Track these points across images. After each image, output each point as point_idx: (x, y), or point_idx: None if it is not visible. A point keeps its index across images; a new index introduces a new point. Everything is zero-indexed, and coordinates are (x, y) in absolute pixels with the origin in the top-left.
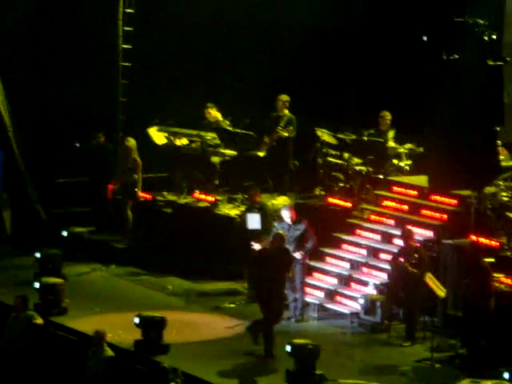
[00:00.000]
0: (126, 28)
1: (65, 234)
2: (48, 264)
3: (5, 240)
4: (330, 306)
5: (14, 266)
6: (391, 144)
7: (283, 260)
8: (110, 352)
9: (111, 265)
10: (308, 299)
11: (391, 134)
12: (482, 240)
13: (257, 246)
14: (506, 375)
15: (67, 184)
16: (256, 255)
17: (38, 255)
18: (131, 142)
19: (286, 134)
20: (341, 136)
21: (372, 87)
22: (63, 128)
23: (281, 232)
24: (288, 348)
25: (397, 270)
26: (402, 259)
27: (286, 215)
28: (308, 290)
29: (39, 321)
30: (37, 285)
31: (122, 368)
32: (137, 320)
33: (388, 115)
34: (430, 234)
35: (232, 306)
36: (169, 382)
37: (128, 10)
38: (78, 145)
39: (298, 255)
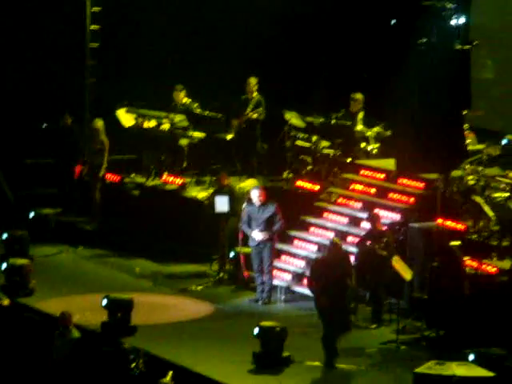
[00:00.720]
0: (95, 8)
1: (32, 215)
2: (15, 245)
3: None
4: (297, 288)
5: None
6: (359, 127)
7: (343, 268)
8: (76, 333)
9: (78, 246)
10: (275, 282)
11: (360, 115)
12: (449, 223)
13: (254, 234)
14: (471, 357)
15: (34, 165)
16: (314, 266)
17: (4, 236)
18: (99, 123)
19: (255, 116)
20: (309, 119)
21: (341, 70)
22: (30, 109)
23: (336, 239)
24: (256, 330)
25: (364, 252)
26: (369, 242)
27: (256, 196)
28: (276, 272)
29: (5, 302)
30: (3, 266)
31: (88, 349)
32: (104, 301)
33: (360, 97)
34: (397, 217)
35: (199, 288)
36: (130, 363)
37: None
38: (44, 125)
39: (261, 235)
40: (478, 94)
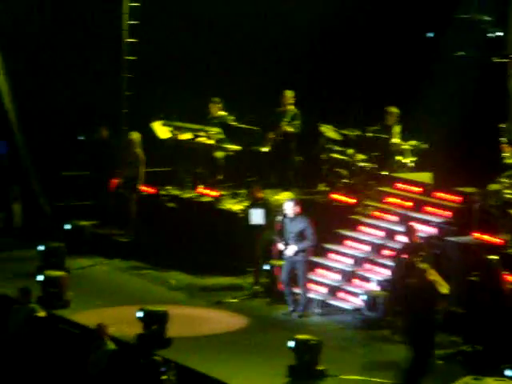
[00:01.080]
0: (131, 22)
1: (68, 227)
2: (51, 257)
3: (15, 233)
4: (332, 302)
5: (17, 259)
6: (395, 140)
7: (428, 296)
8: (112, 345)
9: (114, 259)
10: (311, 295)
11: (397, 129)
12: (486, 237)
13: (283, 248)
14: (509, 373)
15: (71, 177)
16: (404, 293)
17: (41, 248)
18: (135, 135)
19: (291, 130)
20: (345, 132)
21: (377, 84)
22: (68, 121)
23: (424, 266)
24: (291, 343)
25: (400, 266)
26: (405, 256)
27: (288, 208)
28: (311, 285)
29: (41, 314)
30: (40, 278)
31: (124, 362)
32: (140, 314)
33: (395, 111)
34: (433, 230)
35: (234, 300)
36: (161, 375)
37: (133, 4)
38: (82, 138)
39: (290, 250)
40: None
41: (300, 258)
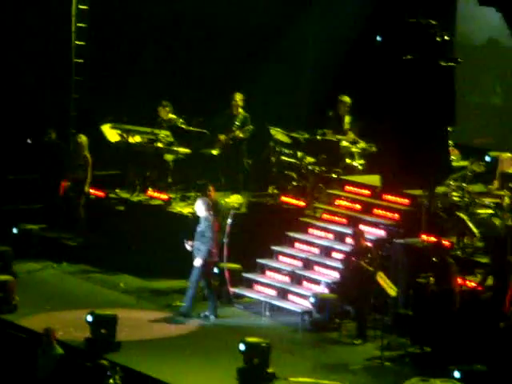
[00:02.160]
0: (80, 24)
1: (15, 231)
2: None
3: None
4: (281, 304)
5: None
6: (345, 143)
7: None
8: (59, 350)
9: (63, 262)
10: (260, 297)
11: (347, 119)
12: (433, 239)
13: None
14: (457, 374)
15: (18, 180)
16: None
17: None
18: (82, 138)
19: (242, 136)
20: (294, 135)
21: (325, 87)
22: (14, 124)
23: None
24: (241, 346)
25: (348, 268)
26: (353, 258)
27: (197, 207)
28: (260, 288)
29: None
30: None
31: (72, 366)
32: (89, 317)
33: (347, 100)
34: (381, 233)
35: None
36: (107, 378)
37: (81, 7)
38: (29, 141)
39: (196, 262)
40: (464, 112)
41: (198, 259)
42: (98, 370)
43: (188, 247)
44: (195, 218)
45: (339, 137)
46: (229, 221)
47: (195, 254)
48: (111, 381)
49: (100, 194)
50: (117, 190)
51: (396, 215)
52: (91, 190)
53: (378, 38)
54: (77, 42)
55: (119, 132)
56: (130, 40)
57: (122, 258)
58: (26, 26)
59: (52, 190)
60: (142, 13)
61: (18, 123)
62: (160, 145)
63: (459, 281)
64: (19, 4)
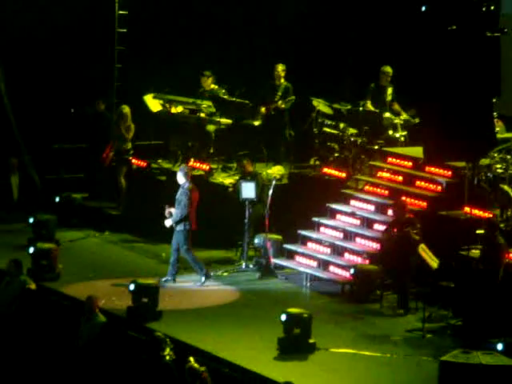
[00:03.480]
0: None
1: (58, 199)
2: (42, 229)
3: (8, 205)
4: (322, 275)
5: (9, 231)
6: (387, 115)
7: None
8: (102, 318)
9: (105, 231)
10: (301, 268)
11: (390, 90)
12: (476, 212)
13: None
14: (500, 346)
15: (62, 150)
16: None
17: (31, 220)
18: (126, 109)
19: (284, 106)
20: (336, 106)
21: (369, 58)
22: (59, 94)
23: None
24: (282, 316)
25: (390, 240)
26: (395, 229)
27: (178, 176)
28: (301, 259)
29: (32, 286)
30: (30, 250)
31: (114, 334)
32: (131, 286)
33: (389, 70)
34: (424, 205)
35: (225, 274)
36: (161, 351)
37: None
38: (72, 111)
39: (166, 223)
40: (509, 83)
41: (178, 228)
42: (152, 343)
43: (166, 213)
44: (236, 190)
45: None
46: (270, 192)
47: (168, 217)
48: (165, 353)
49: (142, 164)
50: (159, 160)
51: (439, 187)
52: (134, 160)
53: (423, 8)
54: (120, 12)
55: (161, 102)
56: (174, 9)
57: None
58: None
59: (95, 159)
60: None
61: (63, 93)
62: (202, 115)
63: (506, 260)
64: None
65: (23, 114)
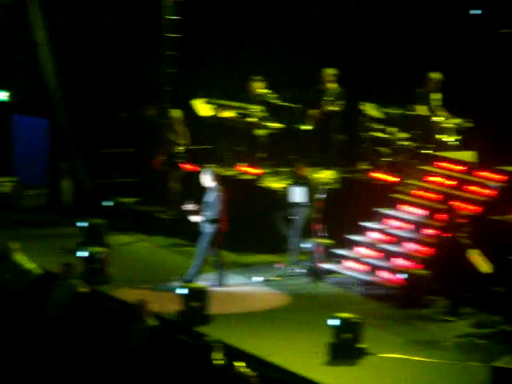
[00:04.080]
0: None
1: (110, 204)
2: (93, 234)
3: (60, 209)
4: (372, 280)
5: (61, 235)
6: (438, 119)
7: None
8: (152, 322)
9: (155, 235)
10: (350, 273)
11: (437, 96)
12: None
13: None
14: None
15: (113, 154)
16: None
17: (82, 224)
18: (177, 113)
19: (334, 109)
20: (387, 110)
21: (420, 61)
22: (111, 98)
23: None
24: (332, 321)
25: (442, 244)
26: (447, 234)
27: (204, 178)
28: (350, 263)
29: (84, 289)
30: (82, 254)
31: (164, 338)
32: (181, 290)
33: (437, 76)
34: (475, 209)
35: (275, 278)
36: (212, 355)
37: None
38: (124, 116)
39: (193, 218)
40: None
41: (207, 229)
42: (202, 347)
43: (189, 207)
44: (285, 193)
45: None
46: (320, 196)
47: (201, 221)
48: (216, 357)
49: (193, 168)
50: (209, 165)
51: (491, 192)
52: (185, 165)
53: (473, 12)
54: (171, 17)
55: (212, 107)
56: (224, 14)
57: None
58: (121, 2)
59: (146, 164)
60: None
61: (115, 98)
62: (252, 120)
63: None
64: None
65: (75, 119)
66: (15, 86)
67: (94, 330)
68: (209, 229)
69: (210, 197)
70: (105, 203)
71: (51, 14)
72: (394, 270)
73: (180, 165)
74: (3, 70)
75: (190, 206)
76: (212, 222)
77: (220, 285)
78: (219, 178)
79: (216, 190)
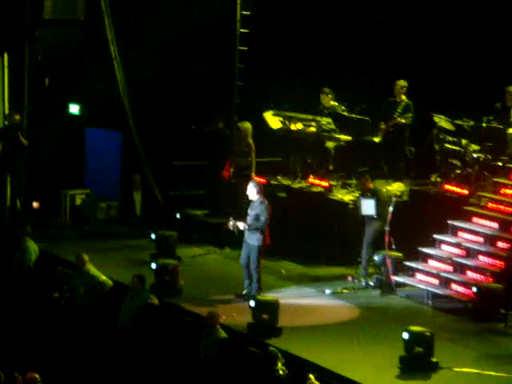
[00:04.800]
0: (244, 12)
1: (179, 216)
2: (164, 245)
3: (131, 221)
4: (444, 293)
5: (132, 247)
6: (511, 131)
7: None
8: (223, 334)
9: (225, 248)
10: (422, 286)
11: None
12: None
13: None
14: None
15: (183, 167)
16: None
17: (153, 236)
18: (247, 125)
19: (404, 121)
20: (459, 122)
21: (494, 73)
22: (181, 111)
23: None
24: (404, 334)
25: None
26: None
27: (249, 191)
28: (422, 276)
29: (155, 301)
30: (153, 265)
31: (235, 350)
32: (251, 303)
33: None
34: None
35: (345, 291)
36: (275, 365)
37: None
38: (194, 128)
39: (240, 225)
40: None
41: (253, 242)
42: (265, 357)
43: (230, 225)
44: (356, 206)
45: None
46: (390, 209)
47: (247, 236)
48: (278, 367)
49: (262, 180)
50: (278, 177)
51: None
52: (254, 177)
53: None
54: (241, 30)
55: (281, 119)
56: (292, 26)
57: (283, 244)
58: (192, 14)
59: (216, 176)
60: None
61: (184, 110)
62: (321, 132)
63: None
64: None
65: (146, 132)
66: (88, 100)
67: (165, 341)
68: (255, 241)
69: (256, 209)
70: (176, 215)
71: (123, 29)
72: (466, 284)
73: (250, 177)
74: (77, 83)
75: (231, 223)
76: (258, 234)
77: (245, 296)
78: (264, 191)
79: (261, 203)
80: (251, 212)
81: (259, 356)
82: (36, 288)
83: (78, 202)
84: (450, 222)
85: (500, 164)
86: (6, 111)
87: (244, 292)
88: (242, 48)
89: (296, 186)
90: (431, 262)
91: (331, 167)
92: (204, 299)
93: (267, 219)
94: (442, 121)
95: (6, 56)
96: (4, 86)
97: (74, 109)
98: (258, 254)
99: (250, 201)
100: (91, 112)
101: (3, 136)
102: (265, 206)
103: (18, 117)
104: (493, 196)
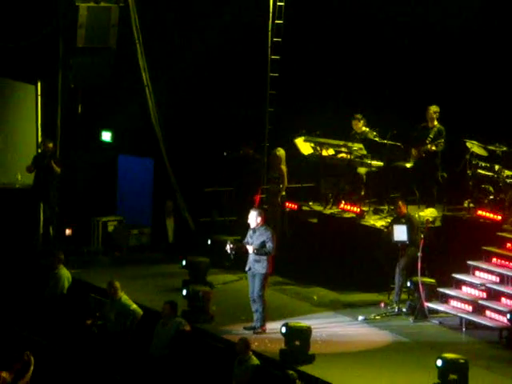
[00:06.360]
0: (275, 39)
1: (210, 242)
2: (196, 272)
3: (163, 247)
4: (478, 320)
5: (164, 273)
6: None
7: None
8: (255, 360)
9: None
10: (455, 312)
11: None
12: None
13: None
14: None
15: (214, 193)
16: None
17: (184, 263)
18: (281, 151)
19: (434, 149)
20: (491, 147)
21: None
22: (212, 137)
23: None
24: (438, 362)
25: None
26: None
27: (251, 219)
28: (455, 303)
29: (187, 327)
30: (184, 292)
31: (267, 377)
32: (284, 329)
33: None
34: None
35: (378, 317)
36: None
37: (278, 21)
38: (225, 154)
39: (249, 249)
40: None
41: (260, 269)
42: (284, 379)
43: (228, 248)
44: (389, 232)
45: None
46: (423, 234)
47: (252, 264)
48: None
49: (293, 206)
50: (310, 203)
51: None
52: (286, 203)
53: None
54: (272, 56)
55: (312, 145)
56: (323, 53)
57: (315, 270)
58: (223, 41)
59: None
60: (337, 27)
61: (215, 136)
62: (353, 158)
63: None
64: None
65: (178, 158)
66: (120, 127)
67: (198, 368)
68: (261, 269)
69: (261, 237)
70: (207, 241)
71: (155, 55)
72: (500, 311)
73: (282, 203)
74: (109, 111)
75: (229, 247)
76: (265, 261)
77: (256, 329)
78: (265, 218)
79: (266, 230)
80: (256, 240)
81: (278, 378)
82: (69, 315)
83: (110, 228)
84: (483, 247)
85: None
86: (40, 139)
87: (253, 324)
88: (274, 74)
89: (327, 211)
90: (465, 289)
91: (363, 193)
92: (236, 325)
93: (274, 247)
94: (474, 146)
95: (39, 84)
96: (37, 113)
97: (107, 136)
98: (263, 281)
99: (252, 229)
100: (123, 139)
101: (37, 164)
102: (271, 233)
103: (51, 144)
104: None
